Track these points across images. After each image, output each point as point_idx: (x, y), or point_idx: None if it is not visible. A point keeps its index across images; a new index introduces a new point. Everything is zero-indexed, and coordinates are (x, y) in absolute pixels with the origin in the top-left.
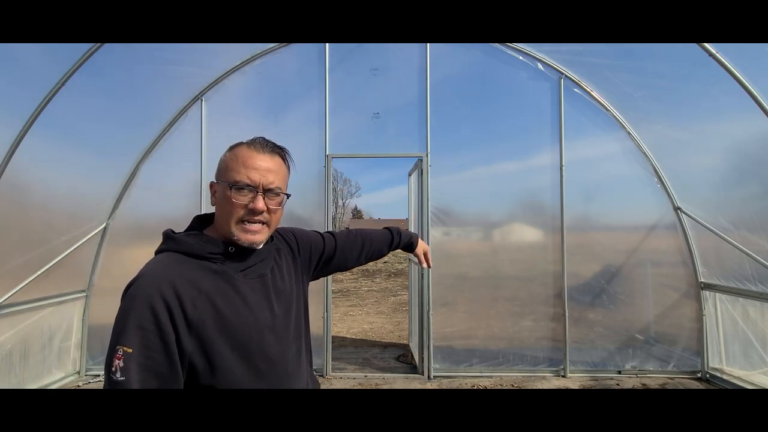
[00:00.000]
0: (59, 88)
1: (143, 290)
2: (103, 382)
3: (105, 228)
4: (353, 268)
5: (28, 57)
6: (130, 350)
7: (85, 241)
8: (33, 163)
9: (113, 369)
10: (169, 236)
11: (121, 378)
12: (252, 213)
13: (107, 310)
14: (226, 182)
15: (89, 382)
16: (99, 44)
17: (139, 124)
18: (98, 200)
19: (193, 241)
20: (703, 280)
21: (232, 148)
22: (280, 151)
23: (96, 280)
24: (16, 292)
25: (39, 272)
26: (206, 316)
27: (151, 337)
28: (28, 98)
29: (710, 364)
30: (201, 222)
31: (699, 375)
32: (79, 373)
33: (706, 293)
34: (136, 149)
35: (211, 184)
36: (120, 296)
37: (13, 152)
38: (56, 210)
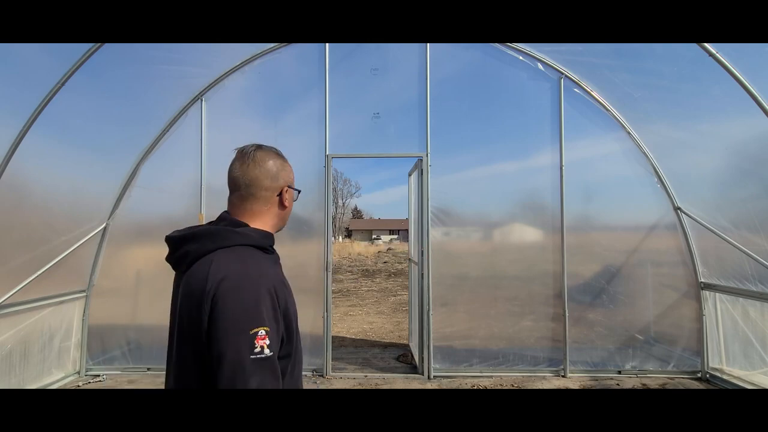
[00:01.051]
0: (59, 87)
1: (263, 282)
2: (232, 365)
3: (105, 228)
4: None
5: (28, 57)
6: (269, 329)
7: (85, 241)
8: (33, 163)
9: (258, 348)
10: (237, 232)
11: (270, 353)
12: None
13: (107, 310)
14: (297, 189)
15: (89, 382)
16: (99, 44)
17: (139, 124)
18: (98, 200)
19: (257, 235)
20: (703, 280)
21: (281, 157)
22: None
23: (96, 280)
24: (16, 292)
25: (39, 272)
26: (284, 300)
27: (275, 317)
28: (28, 98)
29: (710, 364)
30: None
31: (699, 375)
32: (79, 373)
33: (706, 293)
34: (136, 149)
35: (287, 189)
36: (119, 296)
37: (13, 152)
38: (56, 210)
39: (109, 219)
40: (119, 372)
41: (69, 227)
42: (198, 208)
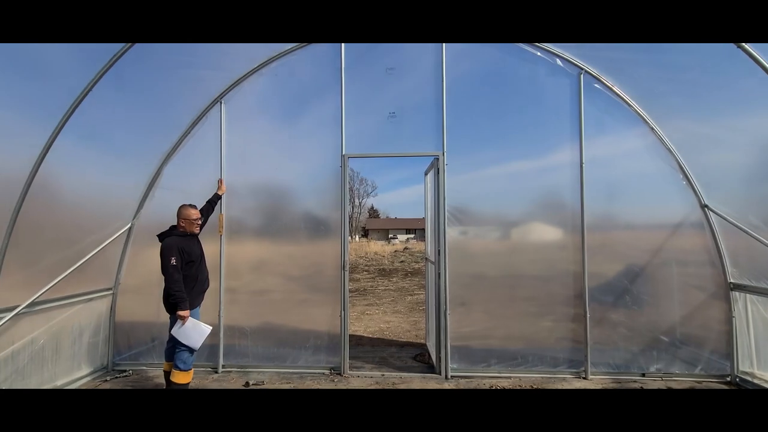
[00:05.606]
0: (86, 93)
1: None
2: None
3: (130, 228)
4: None
5: (57, 62)
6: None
7: (112, 240)
8: (63, 166)
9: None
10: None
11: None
12: None
13: (133, 308)
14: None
15: (116, 377)
16: (124, 49)
17: (161, 127)
18: (124, 201)
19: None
20: (732, 280)
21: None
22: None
23: (122, 279)
24: (48, 289)
25: (69, 270)
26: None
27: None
28: (57, 103)
29: (740, 368)
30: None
31: (728, 379)
32: (106, 368)
33: (735, 294)
34: (159, 152)
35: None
36: (144, 294)
37: (44, 156)
38: (85, 211)
39: (134, 219)
40: (145, 368)
41: (97, 227)
42: (218, 208)
